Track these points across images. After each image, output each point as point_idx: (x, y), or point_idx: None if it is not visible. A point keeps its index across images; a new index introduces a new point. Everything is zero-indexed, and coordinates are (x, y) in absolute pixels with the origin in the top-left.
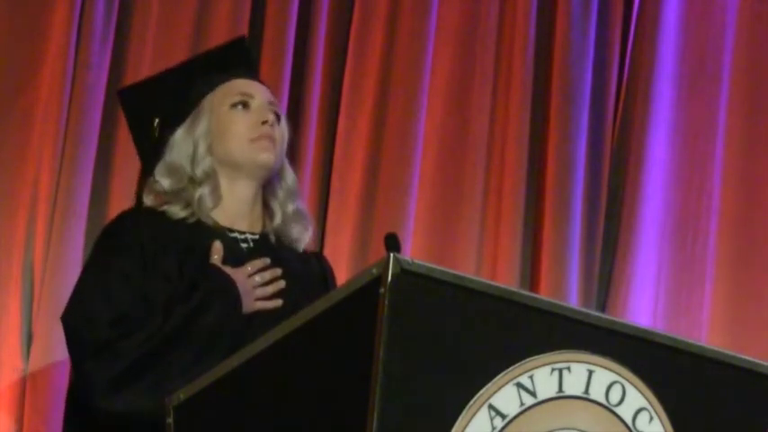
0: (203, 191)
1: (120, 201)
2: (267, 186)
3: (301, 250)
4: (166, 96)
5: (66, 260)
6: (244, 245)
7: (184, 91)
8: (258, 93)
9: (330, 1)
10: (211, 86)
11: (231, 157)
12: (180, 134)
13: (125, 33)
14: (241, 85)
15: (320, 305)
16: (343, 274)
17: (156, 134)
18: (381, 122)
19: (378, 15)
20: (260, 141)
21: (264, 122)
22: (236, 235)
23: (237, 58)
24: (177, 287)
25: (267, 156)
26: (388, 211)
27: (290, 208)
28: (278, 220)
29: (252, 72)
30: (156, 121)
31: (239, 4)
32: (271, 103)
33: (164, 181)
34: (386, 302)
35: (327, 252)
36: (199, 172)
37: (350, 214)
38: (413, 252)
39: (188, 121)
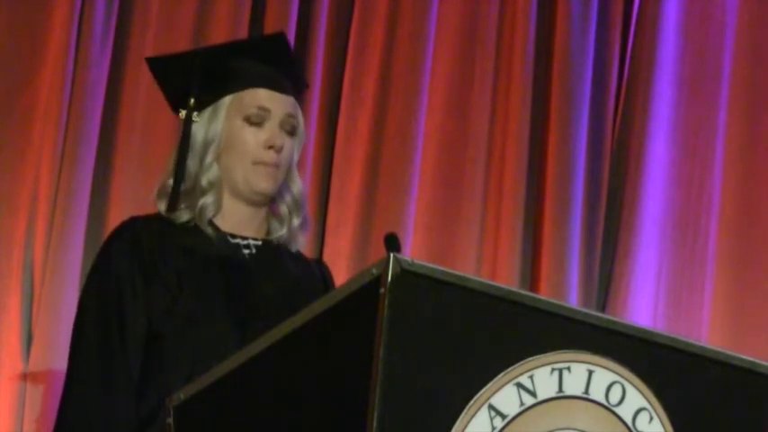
0: (206, 200)
1: (120, 201)
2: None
3: (295, 250)
4: (196, 74)
5: (67, 260)
6: (246, 251)
7: (214, 75)
8: (277, 107)
9: (330, 1)
10: (237, 86)
11: (231, 174)
12: (194, 131)
13: (125, 33)
14: (262, 97)
15: (320, 305)
16: (343, 274)
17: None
18: (381, 122)
19: (378, 15)
20: (261, 167)
21: (270, 147)
22: (238, 241)
23: (274, 57)
24: (176, 297)
25: (265, 184)
26: (388, 211)
27: (296, 222)
28: (284, 232)
29: (281, 78)
30: (192, 101)
31: (239, 4)
32: (289, 116)
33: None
34: (386, 302)
35: (327, 252)
36: (204, 181)
37: (350, 214)
38: (413, 252)
39: (206, 113)
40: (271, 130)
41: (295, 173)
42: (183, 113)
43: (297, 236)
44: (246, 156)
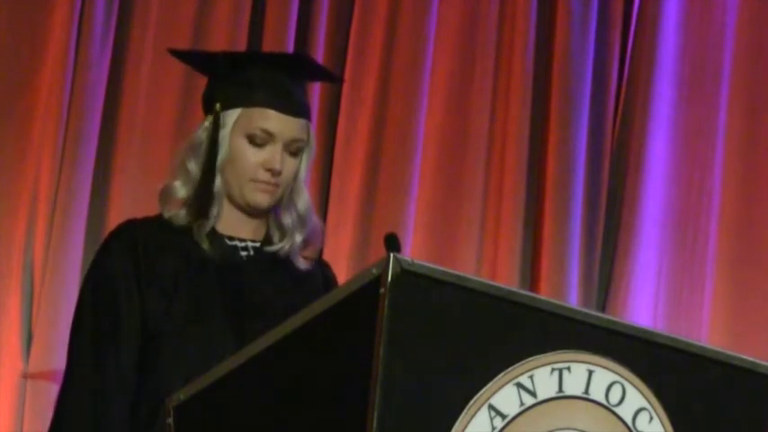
0: (209, 213)
1: (120, 201)
2: (281, 202)
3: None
4: (220, 78)
5: (67, 260)
6: (243, 253)
7: (232, 81)
8: (283, 131)
9: (330, 1)
10: (248, 102)
11: (229, 185)
12: (201, 136)
13: (125, 33)
14: (269, 119)
15: (320, 305)
16: (343, 274)
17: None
18: (381, 122)
19: (378, 15)
20: (259, 184)
21: (269, 170)
22: (235, 243)
23: (294, 75)
24: (173, 301)
25: (260, 199)
26: (388, 211)
27: (298, 239)
28: (285, 245)
29: (295, 98)
30: (218, 105)
31: (239, 5)
32: (294, 140)
33: (180, 189)
34: (386, 302)
35: (327, 252)
36: None
37: (350, 214)
38: (413, 252)
39: (215, 117)
40: (272, 152)
41: (302, 188)
42: (209, 120)
43: (299, 251)
44: (244, 173)
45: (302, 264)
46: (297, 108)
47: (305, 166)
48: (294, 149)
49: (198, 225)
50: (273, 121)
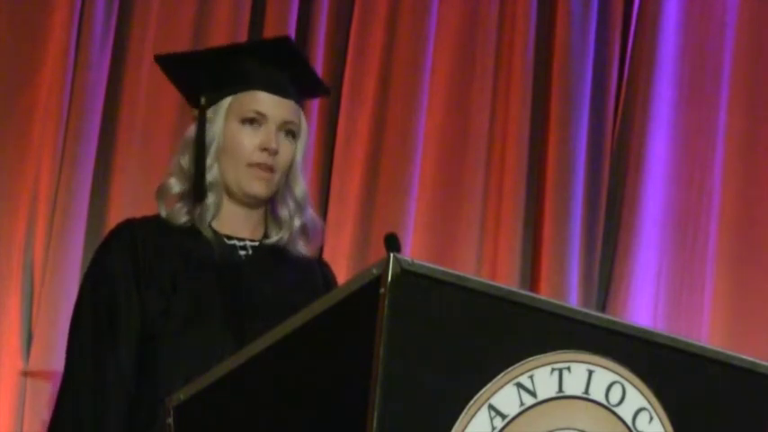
0: (206, 202)
1: (120, 201)
2: (276, 194)
3: (303, 255)
4: (202, 72)
5: (67, 260)
6: (242, 252)
7: (219, 75)
8: (275, 112)
9: (330, 1)
10: (237, 88)
11: (226, 176)
12: (192, 132)
13: (125, 33)
14: (260, 100)
15: (320, 305)
16: (343, 274)
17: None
18: (381, 122)
19: (378, 15)
20: (256, 169)
21: (265, 150)
22: (234, 242)
23: (278, 60)
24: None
25: (257, 188)
26: (388, 211)
27: (297, 224)
28: (284, 234)
29: (283, 81)
30: (203, 100)
31: (239, 5)
32: (287, 122)
33: (175, 185)
34: (386, 302)
35: (327, 252)
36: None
37: (350, 214)
38: (413, 252)
39: (207, 114)
40: (267, 133)
41: (298, 175)
42: (195, 113)
43: (297, 240)
44: (241, 158)
45: (302, 249)
46: (286, 90)
47: (300, 153)
48: (287, 132)
49: (198, 216)
50: (264, 102)
